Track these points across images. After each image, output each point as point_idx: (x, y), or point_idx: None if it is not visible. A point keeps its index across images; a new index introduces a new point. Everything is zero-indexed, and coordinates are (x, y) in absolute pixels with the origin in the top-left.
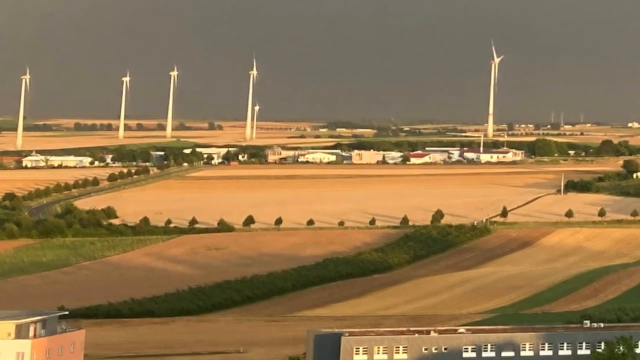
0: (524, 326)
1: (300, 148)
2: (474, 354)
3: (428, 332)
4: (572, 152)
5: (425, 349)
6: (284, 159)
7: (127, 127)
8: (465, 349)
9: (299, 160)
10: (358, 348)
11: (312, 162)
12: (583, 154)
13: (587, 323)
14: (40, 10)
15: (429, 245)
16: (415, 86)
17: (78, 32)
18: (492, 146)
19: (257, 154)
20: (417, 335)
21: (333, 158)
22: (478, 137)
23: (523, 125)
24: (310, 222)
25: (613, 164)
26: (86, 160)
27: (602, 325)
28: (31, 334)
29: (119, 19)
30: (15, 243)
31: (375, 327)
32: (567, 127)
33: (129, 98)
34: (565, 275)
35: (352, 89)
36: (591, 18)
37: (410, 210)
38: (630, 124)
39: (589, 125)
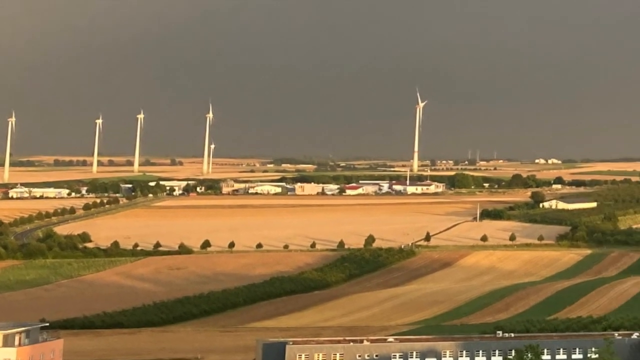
0: (445, 336)
1: (250, 181)
2: None
3: (361, 341)
4: (486, 185)
5: (359, 356)
6: (236, 190)
7: (99, 163)
8: (393, 355)
9: (249, 191)
10: (301, 355)
11: (260, 194)
12: (496, 186)
13: (500, 333)
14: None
15: (362, 265)
16: (350, 127)
17: (57, 81)
18: (417, 179)
19: (212, 186)
20: (352, 343)
21: (279, 190)
22: (405, 171)
23: (444, 161)
24: (259, 246)
25: (522, 195)
26: (64, 191)
27: (512, 335)
28: (16, 342)
29: (92, 70)
30: (2, 264)
31: (316, 336)
32: (482, 162)
33: (102, 138)
34: (480, 292)
35: (295, 130)
36: (501, 68)
37: (346, 235)
38: (537, 160)
39: (501, 161)
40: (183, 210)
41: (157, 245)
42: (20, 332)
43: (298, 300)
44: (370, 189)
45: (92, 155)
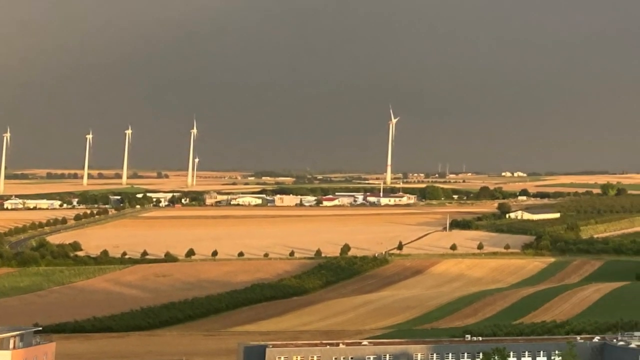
0: (417, 339)
1: (232, 193)
2: None
3: (338, 345)
4: (456, 197)
5: (335, 358)
6: (219, 202)
7: (90, 176)
8: (368, 358)
9: (231, 203)
10: (280, 357)
11: (242, 205)
12: (465, 198)
13: (468, 337)
14: (19, 80)
15: (338, 273)
16: (327, 142)
17: (49, 98)
18: (390, 191)
19: (197, 198)
20: (328, 347)
21: (259, 201)
22: (378, 184)
23: (415, 174)
24: (241, 254)
25: (489, 206)
26: (56, 203)
27: (480, 338)
28: (11, 346)
29: (83, 88)
30: None
31: (294, 340)
32: (451, 175)
33: (92, 152)
34: (450, 298)
35: (274, 145)
36: (470, 86)
37: (323, 244)
38: (503, 173)
39: (470, 174)
40: (169, 221)
41: (144, 253)
42: (14, 336)
43: (277, 306)
44: (345, 200)
45: (83, 168)
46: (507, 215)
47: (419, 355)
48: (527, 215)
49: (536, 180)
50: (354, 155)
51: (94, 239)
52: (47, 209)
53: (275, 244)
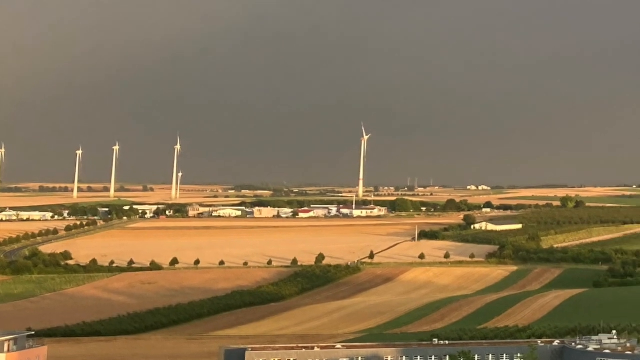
0: (387, 343)
1: (214, 205)
2: None
3: (313, 348)
4: (424, 209)
5: None
6: (201, 214)
7: (80, 189)
8: None
9: (213, 215)
10: None
11: (223, 216)
12: (432, 210)
13: (436, 341)
14: (13, 99)
15: (313, 280)
16: (302, 158)
17: (42, 116)
18: (362, 204)
19: (180, 210)
20: (304, 350)
21: (239, 213)
22: (351, 197)
23: (386, 188)
24: (222, 263)
25: (456, 218)
26: (48, 214)
27: (447, 342)
28: (6, 349)
29: (73, 106)
30: None
31: (272, 344)
32: (420, 189)
33: (82, 167)
34: (418, 304)
35: (253, 160)
36: (437, 106)
37: (299, 253)
38: (469, 187)
39: (437, 187)
40: (154, 232)
41: (131, 262)
42: (8, 340)
43: (256, 312)
44: (320, 212)
45: (73, 182)
46: (472, 226)
47: (390, 358)
48: (491, 226)
49: (499, 194)
50: (328, 170)
51: (84, 249)
52: (39, 220)
53: (254, 253)
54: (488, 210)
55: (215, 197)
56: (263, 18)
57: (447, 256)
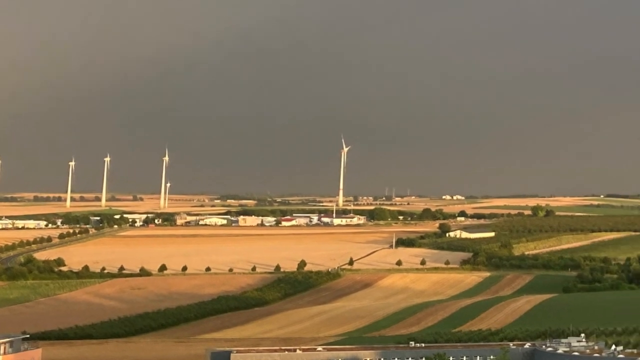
0: (366, 345)
1: (201, 214)
2: None
3: (295, 350)
4: (401, 217)
5: None
6: (189, 222)
7: (72, 199)
8: None
9: (200, 223)
10: None
11: (209, 225)
12: (409, 218)
13: (412, 343)
14: (8, 112)
15: (296, 286)
16: (285, 168)
17: (37, 128)
18: (342, 213)
19: (168, 219)
20: (287, 352)
21: (224, 222)
22: (332, 206)
23: (365, 198)
24: (208, 269)
25: (431, 226)
26: (42, 223)
27: (423, 345)
28: (1, 351)
29: (67, 119)
30: None
31: (256, 346)
32: (397, 199)
33: (74, 177)
34: (396, 308)
35: (238, 171)
36: (414, 119)
37: (282, 260)
38: (444, 197)
39: (414, 197)
40: (143, 239)
41: (121, 268)
42: (4, 343)
43: (241, 316)
44: (302, 221)
45: (66, 192)
46: (447, 234)
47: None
48: (465, 234)
49: (473, 203)
50: (310, 180)
51: (76, 256)
52: (34, 228)
53: (238, 260)
54: (462, 219)
55: (202, 206)
56: (248, 35)
57: (423, 263)
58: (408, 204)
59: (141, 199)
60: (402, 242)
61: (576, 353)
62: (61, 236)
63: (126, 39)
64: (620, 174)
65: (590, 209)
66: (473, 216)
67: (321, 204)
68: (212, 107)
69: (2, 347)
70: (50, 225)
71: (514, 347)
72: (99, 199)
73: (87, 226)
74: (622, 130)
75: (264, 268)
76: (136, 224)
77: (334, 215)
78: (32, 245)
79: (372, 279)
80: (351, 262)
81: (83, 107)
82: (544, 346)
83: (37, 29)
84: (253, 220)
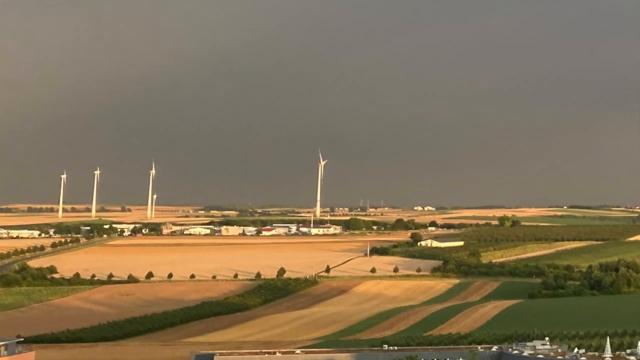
0: (342, 348)
1: (185, 224)
2: None
3: (275, 353)
4: (375, 227)
5: None
6: (174, 232)
7: (64, 210)
8: None
9: (184, 233)
10: None
11: (193, 234)
12: (383, 228)
13: (386, 346)
14: (3, 128)
15: (275, 292)
16: (265, 181)
17: (30, 143)
18: (319, 223)
19: (155, 229)
20: (267, 355)
21: (208, 231)
22: (309, 216)
23: (341, 208)
24: (192, 276)
25: (404, 236)
26: (36, 232)
27: (396, 348)
28: None
29: (59, 134)
30: None
31: (238, 349)
32: (371, 209)
33: (66, 189)
34: (370, 313)
35: (221, 183)
36: (387, 133)
37: (262, 267)
38: (415, 207)
39: (387, 208)
40: (131, 248)
41: (110, 275)
42: (0, 346)
43: (223, 320)
44: (281, 230)
45: (58, 203)
46: (418, 243)
47: None
48: (435, 243)
49: (443, 214)
50: (289, 192)
51: (68, 264)
52: (27, 237)
53: (221, 268)
54: (433, 228)
55: (187, 216)
56: (230, 54)
57: (396, 270)
58: (381, 214)
59: (129, 210)
60: (376, 251)
61: (541, 356)
62: (53, 245)
63: (115, 59)
64: (582, 186)
65: (554, 219)
66: (443, 226)
67: (299, 215)
68: (196, 123)
69: None
70: (43, 235)
71: (482, 350)
72: (89, 210)
73: (78, 236)
74: (582, 145)
75: (245, 275)
76: (124, 234)
77: (312, 225)
78: (26, 254)
79: (348, 286)
80: (328, 270)
81: (74, 123)
82: (510, 349)
83: (31, 50)
84: (235, 230)
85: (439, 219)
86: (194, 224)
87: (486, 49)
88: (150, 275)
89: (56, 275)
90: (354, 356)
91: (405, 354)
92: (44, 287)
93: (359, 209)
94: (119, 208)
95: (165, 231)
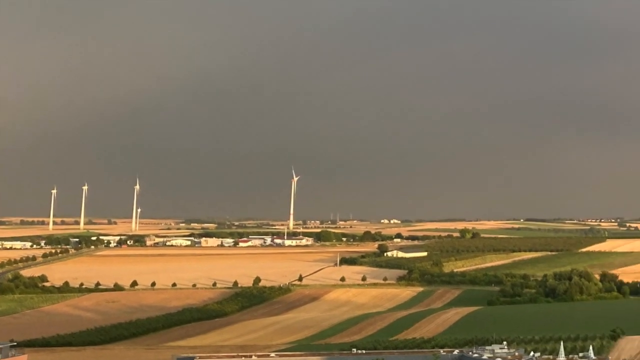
0: (314, 352)
1: (167, 236)
2: None
3: (251, 356)
4: (344, 239)
5: None
6: (157, 243)
7: (54, 223)
8: None
9: (167, 244)
10: None
11: (175, 245)
12: (352, 240)
13: (354, 350)
14: None
15: (251, 299)
16: (242, 196)
17: (22, 160)
18: (292, 235)
19: (139, 240)
20: (244, 358)
21: (188, 243)
22: (283, 229)
23: (313, 221)
24: (174, 285)
25: (371, 247)
26: (28, 244)
27: (364, 351)
28: None
29: (49, 152)
30: None
31: (217, 352)
32: (341, 222)
33: (56, 203)
34: (340, 319)
35: (201, 198)
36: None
37: (239, 276)
38: (382, 220)
39: (356, 221)
40: (117, 258)
41: (98, 284)
42: None
43: (203, 326)
44: (257, 242)
45: (49, 216)
46: (385, 254)
47: None
48: (401, 254)
49: (408, 226)
50: (264, 206)
51: (58, 273)
52: (20, 248)
53: (201, 277)
54: (398, 240)
55: (169, 229)
56: (208, 78)
57: (364, 279)
58: (350, 227)
59: (115, 223)
60: (345, 261)
61: (499, 359)
62: (44, 255)
63: (101, 82)
64: (537, 200)
65: (511, 231)
66: (408, 238)
67: (274, 227)
68: (178, 141)
69: None
70: (34, 246)
71: (444, 353)
72: (78, 223)
73: (68, 247)
74: (537, 162)
75: (223, 284)
76: (111, 245)
77: (285, 237)
78: (19, 264)
79: (319, 293)
80: (300, 279)
81: (63, 142)
82: (470, 352)
83: (23, 73)
84: (214, 241)
85: (404, 231)
86: (175, 236)
87: (447, 74)
88: (134, 283)
89: (47, 284)
90: (325, 359)
91: (372, 357)
92: (36, 295)
93: (329, 222)
94: (106, 221)
95: (148, 243)
